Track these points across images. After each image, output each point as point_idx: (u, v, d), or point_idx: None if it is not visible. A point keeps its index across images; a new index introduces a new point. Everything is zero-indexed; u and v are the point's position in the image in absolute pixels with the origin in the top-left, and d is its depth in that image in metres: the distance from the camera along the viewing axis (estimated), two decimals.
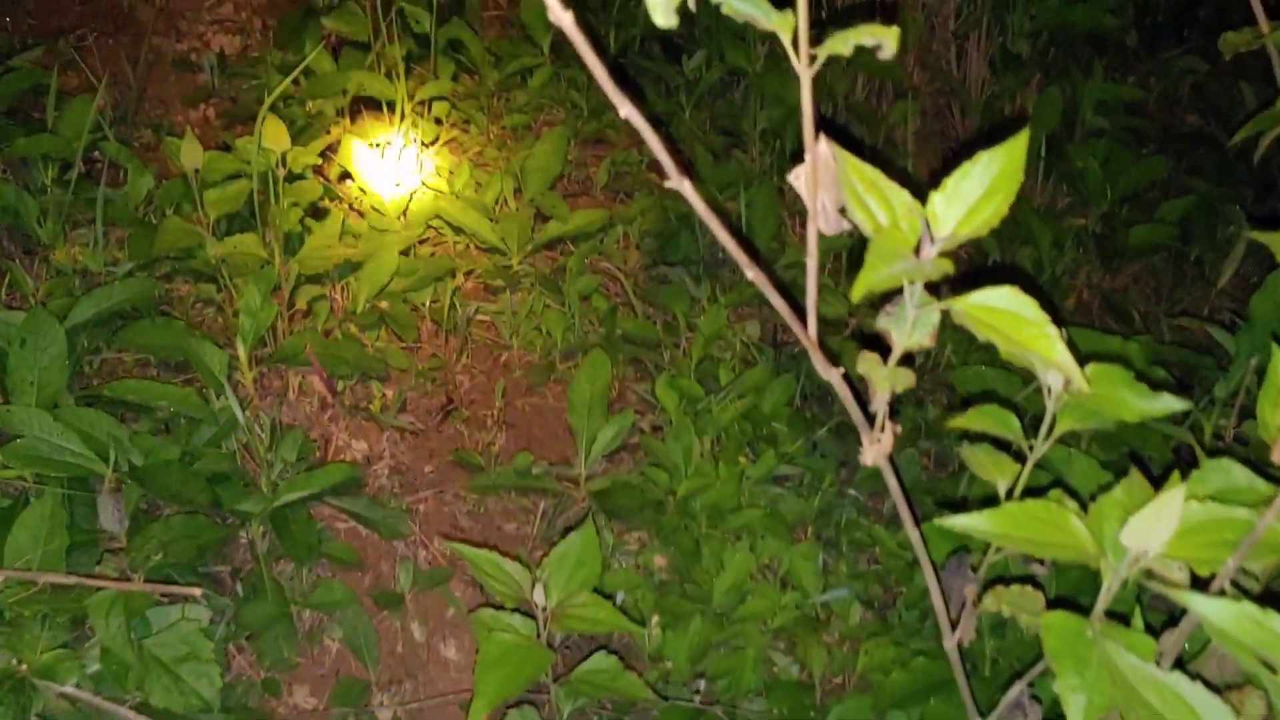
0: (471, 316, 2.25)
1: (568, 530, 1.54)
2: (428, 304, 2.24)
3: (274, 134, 1.89)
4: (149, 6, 3.01)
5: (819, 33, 0.71)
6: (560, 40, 2.95)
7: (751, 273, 0.82)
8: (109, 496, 1.68)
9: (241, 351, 1.90)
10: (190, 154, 1.85)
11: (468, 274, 2.35)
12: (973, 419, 0.99)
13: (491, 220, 2.36)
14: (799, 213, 2.48)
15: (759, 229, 2.35)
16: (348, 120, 2.58)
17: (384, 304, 2.14)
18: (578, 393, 1.96)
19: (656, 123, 2.63)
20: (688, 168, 2.55)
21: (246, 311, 1.89)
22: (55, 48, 2.80)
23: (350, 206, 2.41)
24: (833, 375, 0.82)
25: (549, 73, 2.82)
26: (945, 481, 1.96)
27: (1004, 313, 0.73)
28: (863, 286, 0.70)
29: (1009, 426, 0.98)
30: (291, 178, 2.02)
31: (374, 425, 2.02)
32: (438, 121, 2.67)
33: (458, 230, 2.34)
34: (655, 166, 2.67)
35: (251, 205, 1.99)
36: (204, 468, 1.68)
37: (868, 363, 0.79)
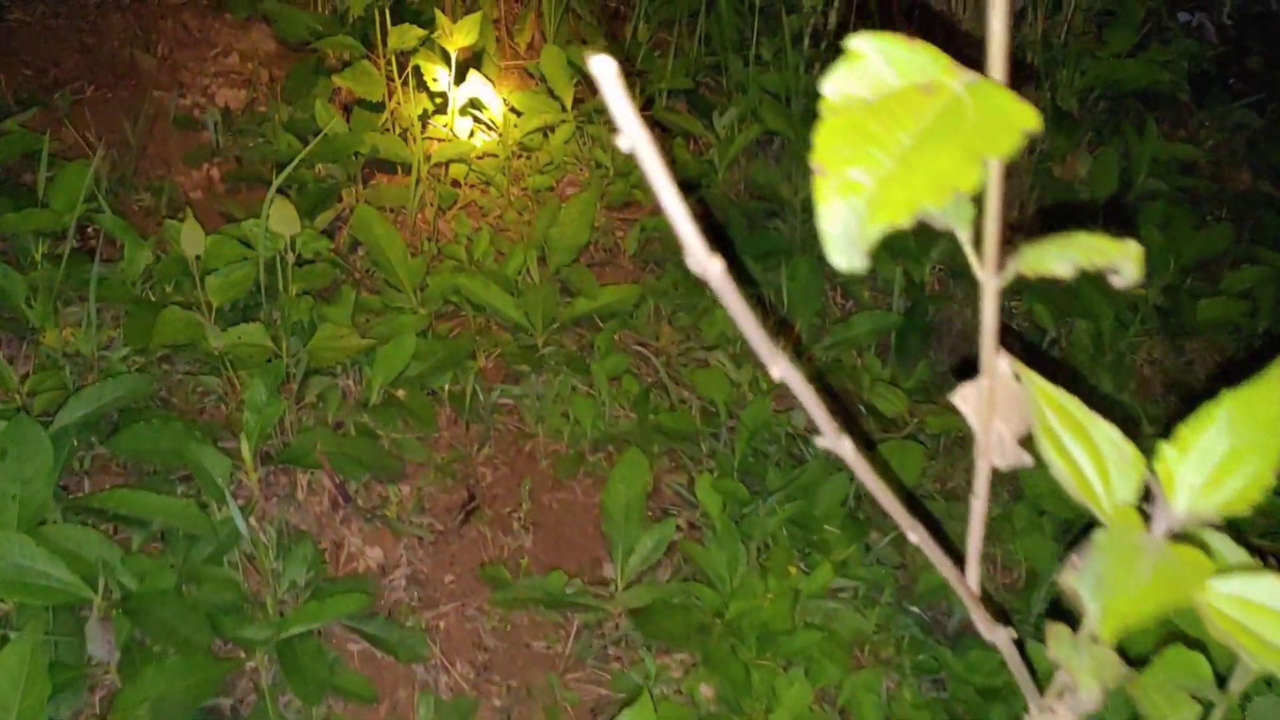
0: (494, 403, 2.09)
1: (604, 651, 1.37)
2: (446, 388, 2.08)
3: (282, 216, 1.73)
4: (151, 56, 2.86)
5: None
6: (582, 94, 2.81)
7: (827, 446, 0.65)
8: (98, 625, 1.51)
9: (246, 450, 1.74)
10: (191, 239, 1.69)
11: (489, 353, 2.19)
12: (1159, 672, 0.80)
13: (514, 294, 2.20)
14: (841, 285, 2.32)
15: (801, 306, 2.19)
16: (360, 184, 2.42)
17: (400, 392, 1.97)
18: (612, 497, 1.79)
19: (687, 187, 2.47)
20: (720, 235, 2.39)
21: (252, 408, 1.73)
22: (51, 103, 2.65)
23: (363, 278, 2.25)
24: (999, 636, 0.64)
25: (571, 129, 2.67)
26: None
27: (1270, 612, 0.54)
28: (1112, 626, 0.48)
29: (1200, 674, 0.81)
30: (301, 261, 1.86)
31: (390, 528, 1.85)
32: (455, 184, 2.51)
33: (478, 305, 2.18)
34: None
35: (258, 289, 1.83)
36: (203, 596, 1.52)
37: (1061, 643, 0.61)
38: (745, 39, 2.97)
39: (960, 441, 2.02)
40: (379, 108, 2.37)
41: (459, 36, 2.33)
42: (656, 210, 2.62)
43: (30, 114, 2.45)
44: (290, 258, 1.80)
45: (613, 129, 2.74)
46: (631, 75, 2.92)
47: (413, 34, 2.28)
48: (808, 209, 2.34)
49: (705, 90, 2.99)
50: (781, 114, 2.31)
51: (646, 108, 2.79)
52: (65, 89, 2.72)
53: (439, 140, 2.60)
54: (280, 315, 1.78)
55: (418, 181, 2.40)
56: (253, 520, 1.77)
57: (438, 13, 2.37)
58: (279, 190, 1.88)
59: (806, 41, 2.42)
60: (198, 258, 1.72)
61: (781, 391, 2.11)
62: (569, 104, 2.71)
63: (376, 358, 1.95)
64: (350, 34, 2.50)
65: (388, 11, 2.29)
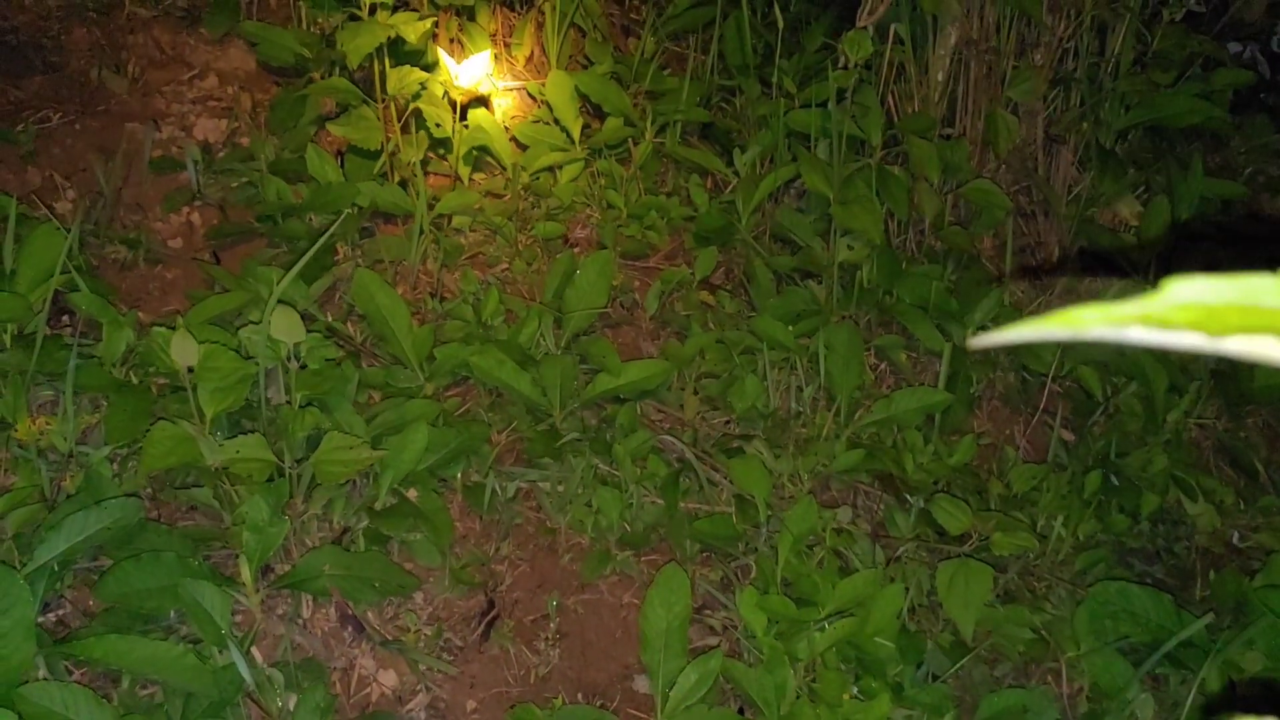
0: (512, 494, 1.92)
1: None
2: (460, 476, 1.91)
3: (285, 325, 1.54)
4: (121, 77, 2.64)
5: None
6: (591, 126, 2.61)
7: None
8: None
9: (246, 573, 1.58)
10: (183, 351, 1.51)
11: (503, 430, 2.02)
12: None
13: (529, 365, 2.03)
14: (876, 348, 2.17)
15: (841, 379, 2.03)
16: (357, 236, 2.23)
17: (412, 491, 1.80)
18: (651, 623, 1.64)
19: (710, 236, 2.30)
20: (744, 292, 2.23)
21: (253, 528, 1.56)
22: (13, 136, 2.43)
23: (364, 347, 2.07)
24: None
25: (581, 167, 2.49)
26: None
27: None
28: None
29: None
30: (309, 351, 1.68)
31: (404, 653, 1.69)
32: (457, 231, 2.33)
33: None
34: (708, 284, 2.34)
35: (256, 391, 1.65)
36: None
37: None
38: (765, 54, 2.79)
39: (1027, 562, 1.88)
40: (376, 155, 2.17)
41: (463, 79, 2.13)
42: (672, 255, 2.45)
43: None
44: (293, 365, 1.62)
45: (624, 165, 2.56)
46: (640, 98, 2.73)
47: (414, 77, 2.08)
48: (845, 270, 2.18)
49: (722, 111, 2.80)
50: (818, 168, 2.13)
51: (660, 133, 2.60)
52: (29, 117, 2.50)
53: (442, 185, 2.41)
54: (283, 428, 1.60)
55: (420, 233, 2.21)
56: (255, 650, 1.61)
57: (440, 53, 2.16)
58: (287, 256, 1.70)
59: (832, 71, 2.23)
60: (190, 370, 1.54)
61: (820, 488, 1.96)
62: (577, 136, 2.52)
63: (386, 454, 1.78)
64: (336, 59, 2.29)
65: (385, 53, 2.08)
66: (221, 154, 2.46)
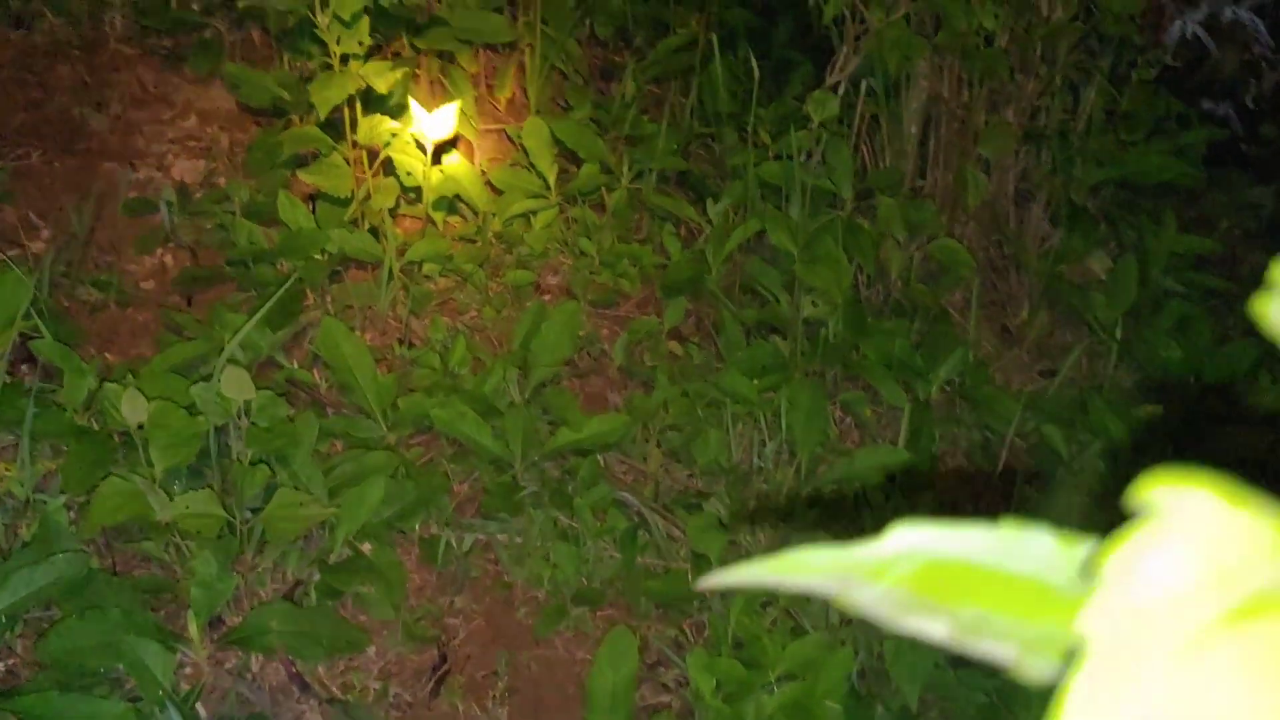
0: (469, 547, 1.93)
1: None
2: (418, 528, 1.92)
3: (235, 383, 1.55)
4: (102, 116, 2.66)
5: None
6: (569, 171, 2.63)
7: None
8: None
9: (193, 628, 1.58)
10: (133, 408, 1.52)
11: (464, 480, 2.03)
12: None
13: (492, 416, 2.03)
14: (842, 402, 2.17)
15: (802, 435, 2.04)
16: (326, 282, 2.24)
17: (366, 545, 1.81)
18: (598, 683, 1.64)
19: (680, 287, 2.31)
20: (714, 342, 2.23)
21: (200, 583, 1.57)
22: None
23: (328, 394, 2.08)
24: None
25: (555, 213, 2.50)
26: None
27: None
28: None
29: None
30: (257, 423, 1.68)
31: (352, 715, 1.69)
32: (427, 278, 2.34)
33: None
34: (677, 334, 2.35)
35: (208, 448, 1.66)
36: None
37: None
38: (744, 100, 2.80)
39: None
40: (346, 202, 2.18)
41: (434, 129, 2.15)
42: (644, 303, 2.46)
43: None
44: (243, 423, 1.63)
45: (599, 212, 2.58)
46: (620, 143, 2.75)
47: (384, 126, 2.10)
48: (811, 325, 2.18)
49: (699, 157, 2.82)
50: (782, 224, 2.14)
51: (636, 179, 2.62)
52: (8, 155, 2.52)
53: (415, 229, 2.42)
54: (233, 485, 1.60)
55: (389, 280, 2.22)
56: (201, 706, 1.61)
57: (412, 102, 2.18)
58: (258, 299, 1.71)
59: (794, 132, 2.25)
60: (140, 426, 1.54)
61: (778, 545, 1.96)
62: (553, 181, 2.53)
63: (342, 505, 1.78)
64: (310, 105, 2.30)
65: (358, 101, 2.10)
66: (198, 195, 2.48)
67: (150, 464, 1.60)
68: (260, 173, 2.42)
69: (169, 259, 2.37)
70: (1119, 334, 2.28)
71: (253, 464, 1.64)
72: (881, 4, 2.02)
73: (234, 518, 1.63)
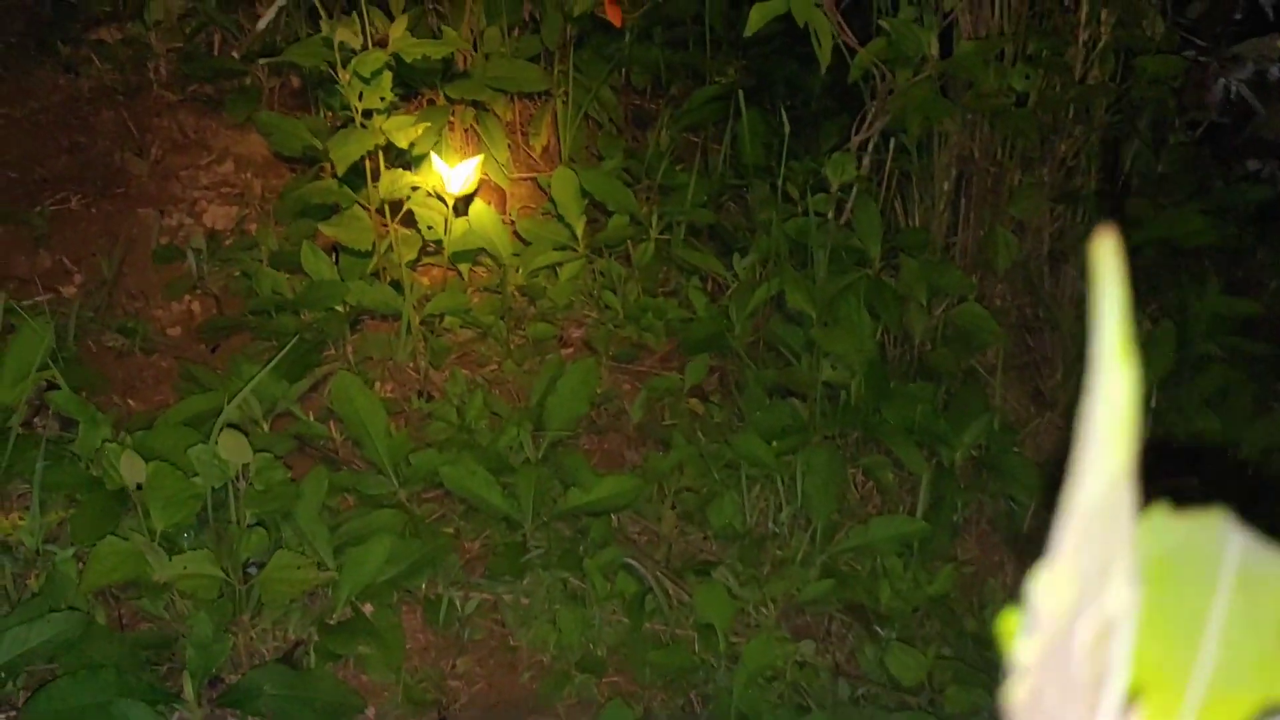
0: (474, 608, 1.90)
1: None
2: (424, 587, 1.90)
3: (232, 446, 1.55)
4: (142, 160, 2.70)
5: None
6: (598, 220, 2.62)
7: None
8: None
9: (189, 688, 1.58)
10: (131, 468, 1.52)
11: (474, 540, 2.01)
12: None
13: (504, 473, 2.02)
14: (873, 477, 2.12)
15: (818, 502, 1.99)
16: (348, 332, 2.25)
17: (368, 606, 1.79)
18: None
19: (703, 344, 2.28)
20: (736, 400, 2.20)
21: (196, 644, 1.56)
22: (29, 217, 2.49)
23: (343, 455, 2.08)
24: None
25: (581, 265, 2.49)
26: None
27: None
28: None
29: None
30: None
31: None
32: (447, 330, 2.33)
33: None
34: (699, 391, 2.32)
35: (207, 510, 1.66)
36: None
37: None
38: (778, 150, 2.77)
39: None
40: (368, 254, 2.19)
41: (454, 183, 2.15)
42: (668, 358, 2.43)
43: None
44: (241, 486, 1.63)
45: (626, 264, 2.56)
46: (651, 191, 2.73)
47: (405, 180, 2.10)
48: (830, 386, 2.14)
49: (730, 209, 2.79)
50: (802, 286, 2.10)
51: (665, 231, 2.60)
52: (48, 199, 2.57)
53: (438, 278, 2.42)
54: (230, 547, 1.60)
55: (408, 332, 2.22)
56: None
57: (434, 155, 2.18)
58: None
59: (810, 197, 2.21)
60: (139, 487, 1.55)
61: (790, 614, 1.92)
62: (580, 232, 2.52)
63: (345, 564, 1.78)
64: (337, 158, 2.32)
65: (381, 154, 2.11)
66: (229, 242, 2.50)
67: (150, 523, 1.60)
68: (289, 220, 2.44)
69: (196, 306, 2.39)
70: (1153, 402, 2.20)
71: (251, 526, 1.63)
72: (909, 63, 1.99)
73: (231, 579, 1.62)
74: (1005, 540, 2.13)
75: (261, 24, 2.77)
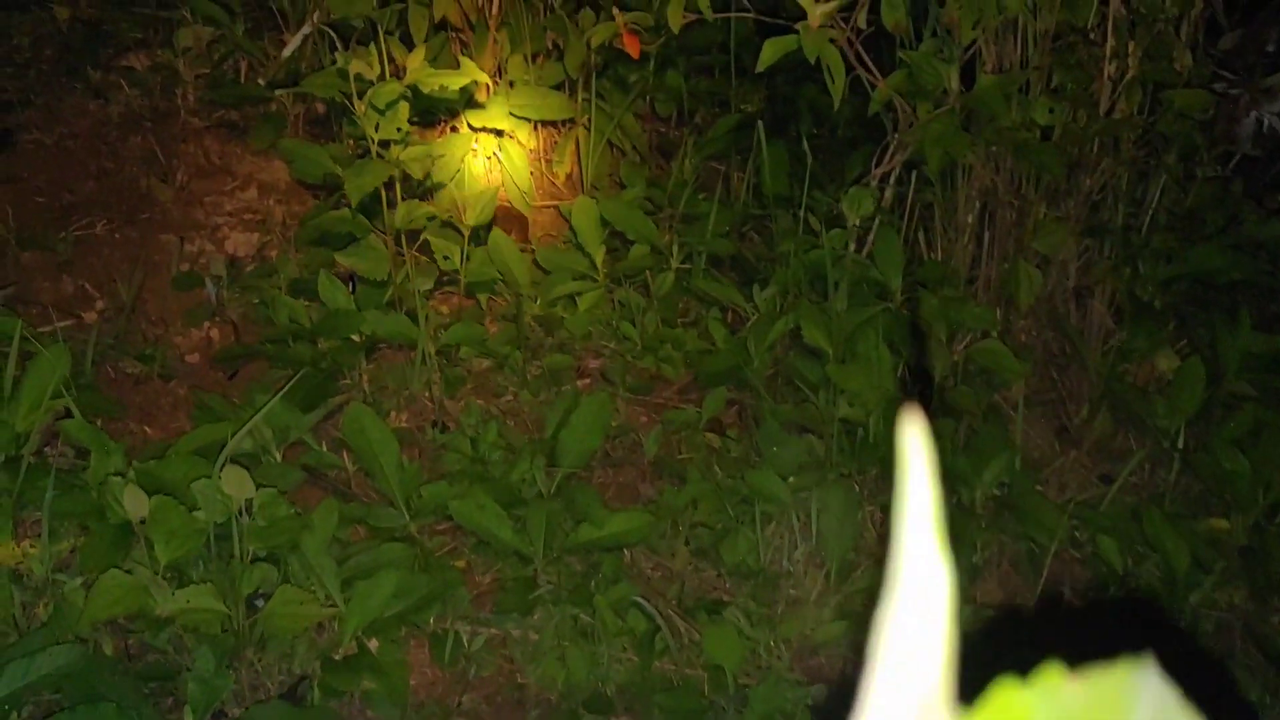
0: (481, 644, 1.88)
1: None
2: (432, 622, 1.89)
3: (235, 481, 1.55)
4: (168, 186, 2.72)
5: None
6: (616, 251, 2.60)
7: None
8: None
9: None
10: (134, 502, 1.52)
11: (484, 573, 1.99)
12: None
13: (516, 507, 2.00)
14: (882, 518, 2.09)
15: (833, 539, 1.96)
16: (364, 362, 2.24)
17: (373, 642, 1.78)
18: None
19: (720, 377, 2.25)
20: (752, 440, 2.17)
21: (197, 678, 1.55)
22: (54, 243, 2.51)
23: (355, 487, 2.07)
24: None
25: (600, 295, 2.47)
26: None
27: None
28: None
29: None
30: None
31: None
32: (463, 360, 2.32)
33: None
34: (716, 424, 2.29)
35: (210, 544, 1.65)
36: None
37: None
38: (802, 179, 2.74)
39: None
40: (384, 284, 2.18)
41: (470, 214, 2.14)
42: (686, 390, 2.40)
43: (8, 291, 2.30)
44: (244, 521, 1.62)
45: (645, 294, 2.54)
46: (674, 220, 2.71)
47: (420, 211, 2.09)
48: (846, 423, 2.10)
49: (752, 239, 2.76)
50: (820, 321, 2.07)
51: (686, 261, 2.57)
52: (74, 224, 2.58)
53: (456, 307, 2.42)
54: (232, 582, 1.59)
55: (423, 362, 2.21)
56: None
57: (450, 187, 2.18)
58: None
59: (825, 233, 2.19)
60: (142, 521, 1.54)
61: (802, 657, 1.88)
62: (600, 262, 2.50)
63: (352, 598, 1.76)
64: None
65: (397, 184, 2.10)
66: (249, 268, 2.51)
67: (154, 556, 1.59)
68: (308, 248, 2.45)
69: (215, 333, 2.39)
70: (1180, 442, 2.15)
71: (254, 561, 1.62)
72: (930, 96, 1.96)
73: (235, 613, 1.61)
74: (1027, 583, 2.08)
75: (286, 52, 2.79)
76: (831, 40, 1.65)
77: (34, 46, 3.02)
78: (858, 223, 2.06)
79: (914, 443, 0.23)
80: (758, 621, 1.89)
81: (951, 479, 2.07)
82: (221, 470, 1.58)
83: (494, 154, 2.78)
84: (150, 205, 2.68)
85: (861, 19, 1.83)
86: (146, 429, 2.20)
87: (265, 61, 2.91)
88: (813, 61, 1.62)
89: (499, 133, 2.74)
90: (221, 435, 1.94)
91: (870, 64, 2.02)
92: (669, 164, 2.92)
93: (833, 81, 1.63)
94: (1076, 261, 2.26)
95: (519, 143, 2.81)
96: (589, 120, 2.78)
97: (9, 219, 2.55)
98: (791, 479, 2.06)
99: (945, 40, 1.94)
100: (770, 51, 1.65)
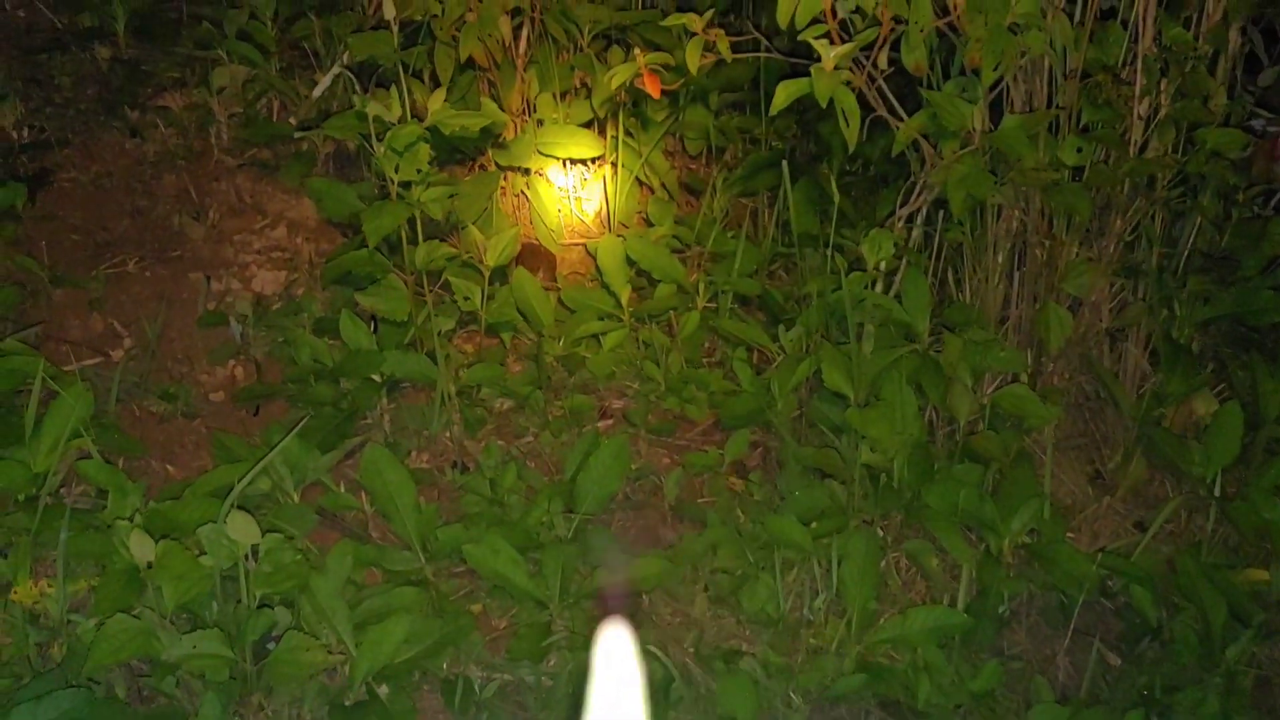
0: (494, 691, 1.86)
1: None
2: (445, 667, 1.87)
3: (241, 527, 1.54)
4: (199, 224, 2.75)
5: None
6: (643, 289, 2.58)
7: None
8: None
9: None
10: (140, 547, 1.52)
11: (499, 618, 1.97)
12: None
13: (532, 550, 1.98)
14: (917, 563, 2.04)
15: (854, 590, 1.91)
16: (385, 400, 2.24)
17: (383, 687, 1.76)
18: None
19: (744, 419, 2.22)
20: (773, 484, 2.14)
21: None
22: (85, 281, 2.54)
23: (368, 525, 2.06)
24: None
25: (625, 335, 2.45)
26: None
27: None
28: None
29: None
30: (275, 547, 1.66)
31: None
32: (483, 401, 2.31)
33: None
34: (740, 467, 2.26)
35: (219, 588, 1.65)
36: None
37: None
38: (830, 216, 2.71)
39: None
40: (405, 324, 2.18)
41: (490, 255, 2.13)
42: (710, 430, 2.37)
43: (33, 331, 2.33)
44: (250, 565, 1.61)
45: (670, 333, 2.51)
46: (701, 261, 2.69)
47: (440, 252, 2.09)
48: (869, 468, 2.06)
49: (780, 278, 2.73)
50: (842, 365, 2.03)
51: (711, 300, 2.55)
52: (106, 262, 2.61)
53: (479, 346, 2.41)
54: (238, 627, 1.58)
55: (443, 403, 2.20)
56: None
57: (471, 228, 2.18)
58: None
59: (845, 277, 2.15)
60: (149, 565, 1.54)
61: (821, 710, 1.84)
62: (625, 301, 2.48)
63: (363, 643, 1.74)
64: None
65: (419, 225, 2.10)
66: (276, 306, 2.52)
67: (159, 602, 1.59)
68: (334, 287, 2.45)
69: (239, 371, 2.40)
70: (1217, 489, 2.08)
71: (262, 606, 1.61)
72: (954, 136, 1.92)
73: (243, 658, 1.60)
74: (1057, 634, 2.02)
75: (317, 91, 2.82)
76: (848, 83, 1.63)
77: (75, 86, 3.07)
78: (881, 266, 2.02)
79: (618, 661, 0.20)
80: (775, 672, 1.85)
81: (978, 525, 2.02)
82: (227, 515, 1.57)
83: (522, 191, 2.78)
84: (181, 243, 2.70)
85: (883, 59, 1.80)
86: (169, 468, 2.21)
87: (297, 100, 2.93)
88: (824, 105, 1.59)
89: (527, 170, 2.74)
90: (236, 477, 1.94)
91: (895, 103, 1.99)
92: (698, 201, 2.90)
93: (847, 125, 1.60)
94: (1110, 303, 2.21)
95: (547, 180, 2.81)
96: (617, 158, 2.77)
97: (44, 256, 2.58)
98: (813, 524, 2.02)
99: (970, 80, 1.90)
100: (784, 95, 1.63)
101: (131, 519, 1.62)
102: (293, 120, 2.89)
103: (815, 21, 1.65)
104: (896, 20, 1.70)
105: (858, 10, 1.66)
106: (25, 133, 2.91)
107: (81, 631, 1.75)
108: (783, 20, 1.63)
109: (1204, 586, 1.97)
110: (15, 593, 1.82)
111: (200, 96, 2.98)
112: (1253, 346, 2.32)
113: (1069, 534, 2.14)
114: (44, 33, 3.20)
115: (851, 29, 1.75)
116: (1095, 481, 2.27)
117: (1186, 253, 2.18)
